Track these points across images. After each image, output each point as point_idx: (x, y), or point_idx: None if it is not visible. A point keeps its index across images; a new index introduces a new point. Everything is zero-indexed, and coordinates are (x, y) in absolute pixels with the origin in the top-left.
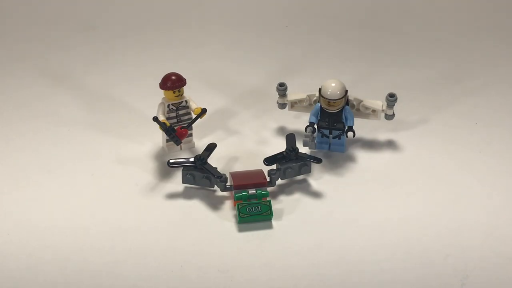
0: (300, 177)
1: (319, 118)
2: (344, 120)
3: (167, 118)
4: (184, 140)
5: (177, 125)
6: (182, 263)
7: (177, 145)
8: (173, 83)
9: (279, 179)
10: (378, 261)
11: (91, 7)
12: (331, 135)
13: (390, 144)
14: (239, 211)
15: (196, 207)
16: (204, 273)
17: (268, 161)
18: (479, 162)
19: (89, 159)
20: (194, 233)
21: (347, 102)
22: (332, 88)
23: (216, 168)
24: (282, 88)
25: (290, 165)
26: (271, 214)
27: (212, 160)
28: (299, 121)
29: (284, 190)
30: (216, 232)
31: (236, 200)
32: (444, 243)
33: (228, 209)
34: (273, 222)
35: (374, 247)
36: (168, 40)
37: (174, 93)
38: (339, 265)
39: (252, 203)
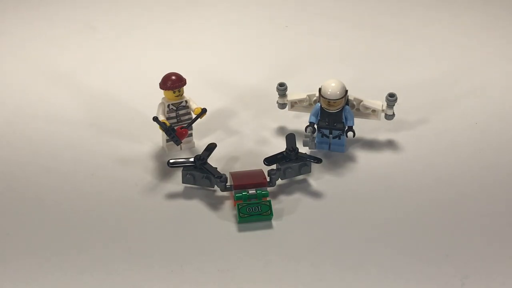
0: (300, 177)
1: (319, 118)
2: (344, 120)
3: (167, 118)
4: (184, 140)
5: (177, 125)
6: (182, 263)
7: (177, 145)
8: (173, 83)
9: (279, 179)
10: (378, 261)
11: (91, 7)
12: (331, 135)
13: (390, 144)
14: (239, 211)
15: (196, 207)
16: (204, 273)
17: (268, 161)
18: (479, 162)
19: (89, 159)
20: (194, 233)
21: (347, 102)
22: (332, 88)
23: (216, 168)
24: (282, 88)
25: (290, 165)
26: (271, 214)
27: (212, 160)
28: (299, 121)
29: (284, 190)
30: (216, 232)
31: (236, 200)
32: (444, 243)
33: (228, 209)
34: (273, 222)
35: (374, 247)
36: (168, 40)
37: (174, 93)
38: (339, 265)
39: (252, 203)
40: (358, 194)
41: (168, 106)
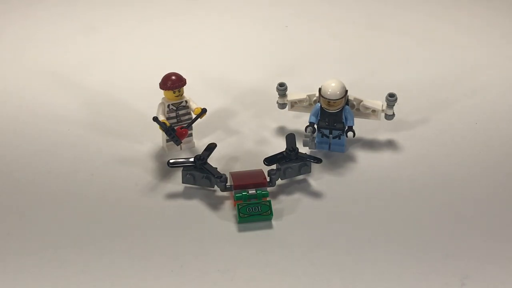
0: (300, 177)
1: (319, 118)
2: (344, 120)
3: (167, 118)
4: (184, 140)
5: (177, 125)
6: (182, 263)
7: (177, 145)
8: (173, 83)
9: (279, 179)
10: (378, 261)
11: (91, 7)
12: (331, 135)
13: (390, 144)
14: (239, 211)
15: (196, 207)
16: (204, 273)
17: (268, 161)
18: (479, 162)
19: (89, 159)
20: (194, 233)
21: (347, 102)
22: (332, 88)
23: (216, 168)
24: (282, 88)
25: (290, 165)
26: (271, 214)
27: (212, 160)
28: (299, 121)
29: (284, 190)
30: (216, 232)
31: (236, 200)
32: (444, 243)
33: (228, 209)
34: (273, 222)
35: (374, 247)
36: (168, 39)
37: (174, 93)
38: (339, 265)
39: (252, 203)
40: (358, 194)
41: (168, 106)
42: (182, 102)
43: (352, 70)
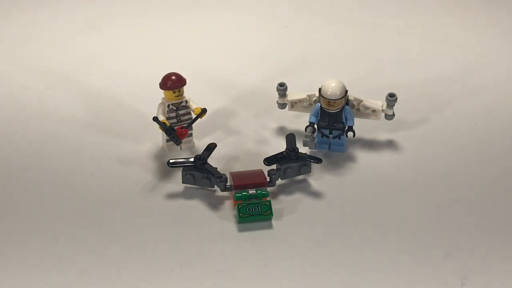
0: (300, 177)
1: (319, 118)
2: (344, 120)
3: (167, 118)
4: (184, 140)
5: (177, 125)
6: (182, 263)
7: (177, 145)
8: (173, 83)
9: (279, 179)
10: (378, 261)
11: (92, 7)
12: (331, 135)
13: (390, 144)
14: (239, 211)
15: (196, 207)
16: (204, 273)
17: (268, 161)
18: (479, 162)
19: (89, 159)
20: (194, 233)
21: (347, 102)
22: (332, 88)
23: (216, 168)
24: (282, 88)
25: (290, 165)
26: (271, 214)
27: (212, 160)
28: (299, 121)
29: (284, 190)
30: (216, 232)
31: (236, 200)
32: (444, 243)
33: (228, 209)
34: (273, 222)
35: (374, 247)
36: (168, 40)
37: (174, 93)
38: (339, 265)
39: (252, 203)
40: (358, 194)
41: (168, 106)
42: (182, 102)
43: (352, 70)
